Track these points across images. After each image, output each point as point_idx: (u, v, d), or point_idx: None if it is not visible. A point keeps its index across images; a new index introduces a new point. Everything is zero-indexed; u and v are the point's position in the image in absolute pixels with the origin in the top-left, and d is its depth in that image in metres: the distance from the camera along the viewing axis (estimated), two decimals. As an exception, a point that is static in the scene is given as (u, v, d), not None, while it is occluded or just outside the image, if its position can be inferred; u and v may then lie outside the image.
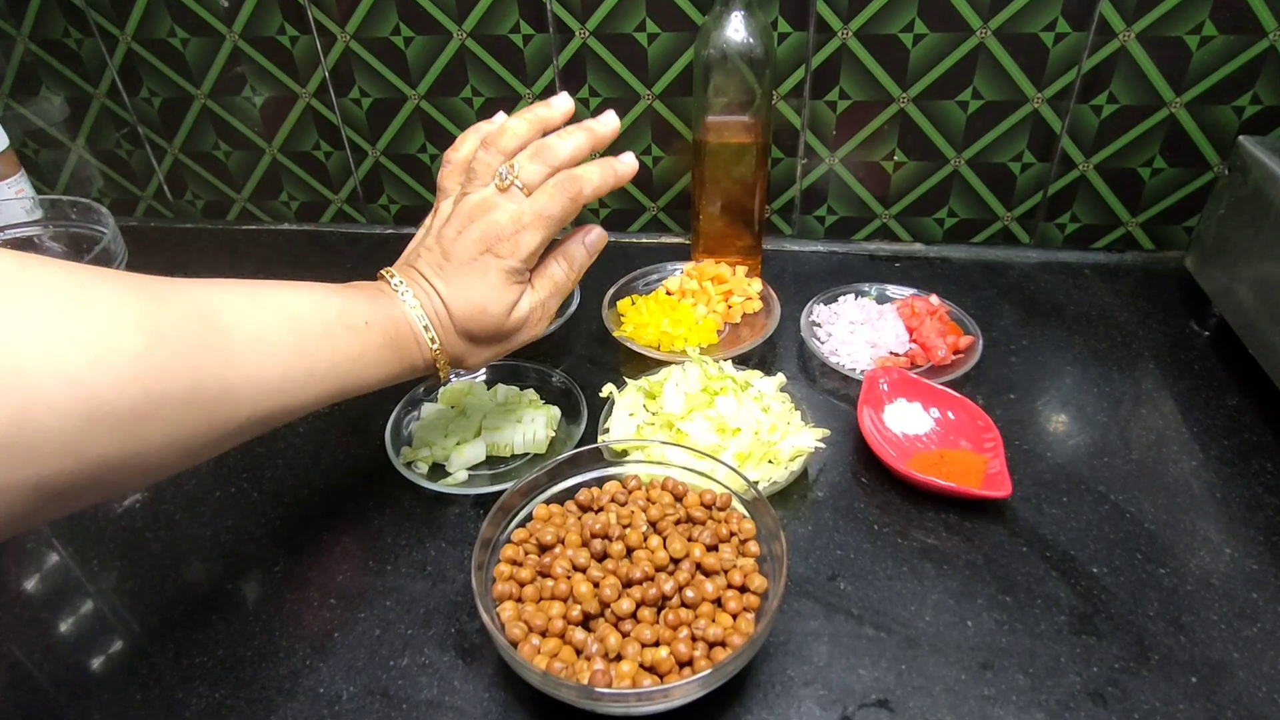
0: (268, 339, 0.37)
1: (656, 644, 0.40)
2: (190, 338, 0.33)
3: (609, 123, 0.48)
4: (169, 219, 0.96)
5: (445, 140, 0.84)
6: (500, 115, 0.51)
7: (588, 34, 0.76)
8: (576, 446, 0.53)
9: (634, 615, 0.42)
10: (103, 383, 0.29)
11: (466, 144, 0.49)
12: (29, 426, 0.27)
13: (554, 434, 0.60)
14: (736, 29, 0.65)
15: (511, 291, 0.46)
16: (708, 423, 0.55)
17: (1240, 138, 0.65)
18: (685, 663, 0.40)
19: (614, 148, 0.82)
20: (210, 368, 0.33)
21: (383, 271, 0.47)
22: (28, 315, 0.27)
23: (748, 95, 0.68)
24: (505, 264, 0.45)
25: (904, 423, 0.59)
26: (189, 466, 0.35)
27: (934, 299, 0.71)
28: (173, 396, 0.31)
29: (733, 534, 0.46)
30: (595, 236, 0.52)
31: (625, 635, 0.41)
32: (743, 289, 0.73)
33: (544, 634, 0.41)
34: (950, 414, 0.60)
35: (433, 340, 0.45)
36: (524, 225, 0.45)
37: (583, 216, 0.88)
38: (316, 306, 0.40)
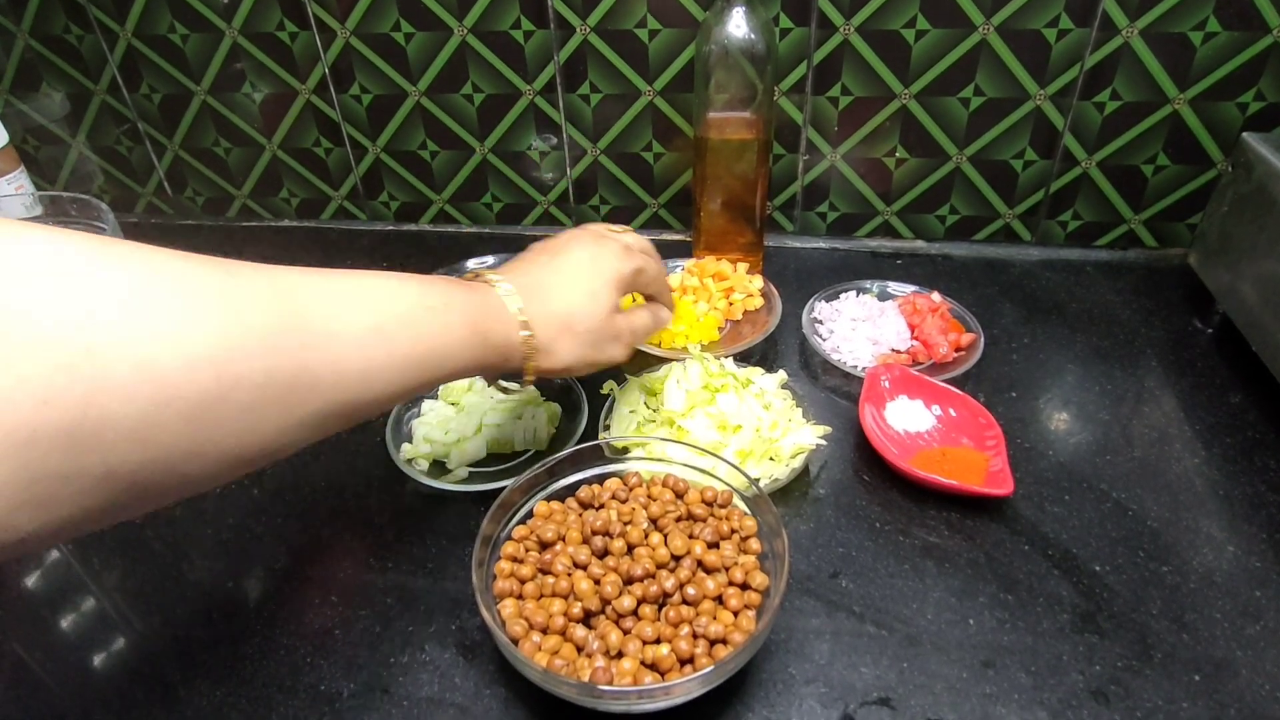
0: (344, 319, 0.35)
1: (658, 641, 0.40)
2: (266, 320, 0.31)
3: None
4: (169, 215, 0.96)
5: (446, 137, 0.84)
6: None
7: (588, 30, 0.75)
8: (577, 443, 0.53)
9: (635, 612, 0.41)
10: (173, 366, 0.27)
11: None
12: (94, 412, 0.25)
13: (555, 431, 0.60)
14: (738, 25, 0.64)
15: (615, 289, 0.46)
16: (709, 420, 0.55)
17: (1244, 134, 0.64)
18: (686, 660, 0.40)
19: (613, 145, 0.82)
20: (286, 349, 0.32)
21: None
22: (102, 297, 0.26)
23: (749, 91, 0.67)
24: (614, 245, 0.47)
25: (906, 420, 0.59)
26: (267, 462, 0.33)
27: (935, 296, 0.70)
28: (247, 381, 0.30)
29: (734, 531, 0.46)
30: (666, 316, 0.55)
31: (626, 632, 0.41)
32: (744, 286, 0.73)
33: (545, 631, 0.41)
34: (952, 411, 0.59)
35: (524, 325, 0.43)
36: (625, 237, 0.49)
37: (585, 215, 0.88)
38: (395, 288, 0.39)
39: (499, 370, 0.45)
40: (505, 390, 0.53)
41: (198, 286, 0.29)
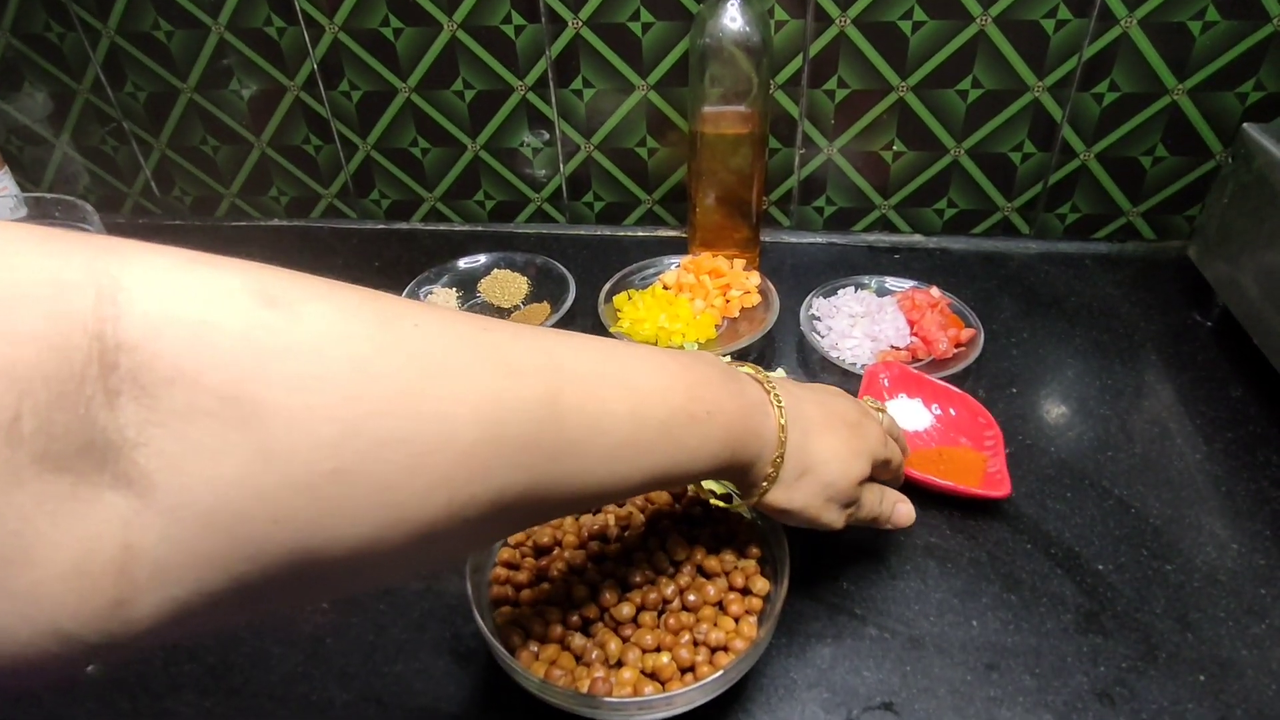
0: (603, 427, 0.30)
1: (658, 649, 0.39)
2: (527, 430, 0.27)
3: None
4: (157, 215, 0.94)
5: (437, 133, 0.83)
6: None
7: (580, 24, 0.74)
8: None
9: (634, 620, 0.41)
10: (414, 492, 0.24)
11: None
12: (321, 532, 0.23)
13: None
14: (733, 17, 0.63)
15: (869, 463, 0.42)
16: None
17: (1244, 125, 0.63)
18: (687, 668, 0.39)
19: (606, 141, 0.81)
20: (534, 464, 0.28)
21: (738, 364, 0.41)
22: (371, 400, 0.23)
23: (744, 85, 0.66)
24: (878, 426, 0.43)
25: (904, 419, 0.59)
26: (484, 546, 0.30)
27: (935, 291, 0.70)
28: (479, 502, 0.26)
29: (734, 535, 0.45)
30: (903, 514, 0.48)
31: (626, 641, 0.40)
32: (741, 282, 0.72)
33: (542, 640, 0.40)
34: (951, 410, 0.59)
35: (780, 446, 0.38)
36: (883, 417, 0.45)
37: (579, 212, 0.87)
38: (663, 386, 0.33)
39: (729, 480, 0.40)
40: (715, 498, 0.45)
41: (466, 390, 0.26)
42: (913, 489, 0.53)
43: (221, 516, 0.21)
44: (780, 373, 0.60)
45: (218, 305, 0.21)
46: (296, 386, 0.22)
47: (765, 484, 0.38)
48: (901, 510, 0.46)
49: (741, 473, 0.38)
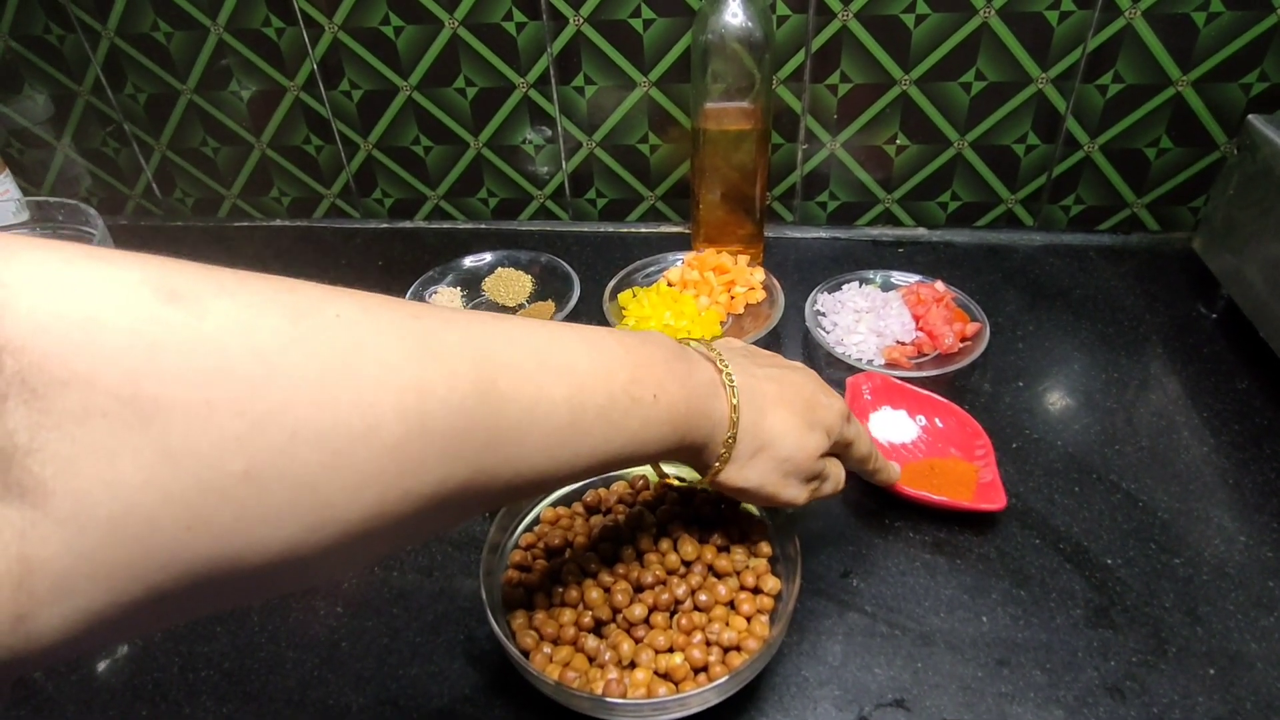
0: (540, 414, 0.29)
1: (671, 650, 0.40)
2: (460, 420, 0.26)
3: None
4: (159, 217, 0.94)
5: (439, 132, 0.83)
6: None
7: (582, 21, 0.74)
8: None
9: (647, 621, 0.41)
10: (340, 487, 0.23)
11: None
12: (238, 538, 0.22)
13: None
14: (734, 13, 0.63)
15: (828, 439, 0.41)
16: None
17: (1249, 116, 0.63)
18: (700, 669, 0.39)
19: (609, 137, 0.81)
20: (469, 455, 0.27)
21: (691, 341, 0.41)
22: (285, 394, 0.22)
23: (747, 80, 0.66)
24: (841, 404, 0.43)
25: (890, 431, 0.58)
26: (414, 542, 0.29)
27: (940, 285, 0.70)
28: (415, 497, 0.25)
29: (744, 534, 0.45)
30: (886, 476, 0.50)
31: (638, 642, 0.40)
32: (745, 279, 0.72)
33: (555, 642, 0.41)
34: (938, 421, 0.58)
35: (733, 426, 0.37)
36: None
37: (582, 209, 0.87)
38: (604, 370, 0.32)
39: (682, 463, 0.40)
40: (668, 479, 0.45)
41: (384, 374, 0.25)
42: (906, 504, 0.53)
43: (128, 523, 0.20)
44: (735, 341, 0.54)
45: (112, 301, 0.20)
46: (197, 382, 0.21)
47: (718, 464, 0.38)
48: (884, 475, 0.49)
49: (693, 454, 0.38)
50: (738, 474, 0.39)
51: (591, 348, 0.33)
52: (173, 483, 0.20)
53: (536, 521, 0.47)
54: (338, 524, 0.24)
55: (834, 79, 0.75)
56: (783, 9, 0.71)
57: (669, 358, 0.36)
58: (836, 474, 0.44)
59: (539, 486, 0.32)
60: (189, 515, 0.21)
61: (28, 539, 0.19)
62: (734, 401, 0.37)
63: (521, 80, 0.78)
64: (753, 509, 0.47)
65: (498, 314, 0.32)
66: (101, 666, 0.47)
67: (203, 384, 0.21)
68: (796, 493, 0.41)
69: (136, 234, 0.91)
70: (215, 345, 0.21)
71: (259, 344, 0.22)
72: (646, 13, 0.73)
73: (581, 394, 0.31)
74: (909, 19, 0.70)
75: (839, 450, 0.44)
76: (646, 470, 0.50)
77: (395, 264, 0.82)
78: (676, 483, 0.44)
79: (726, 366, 0.38)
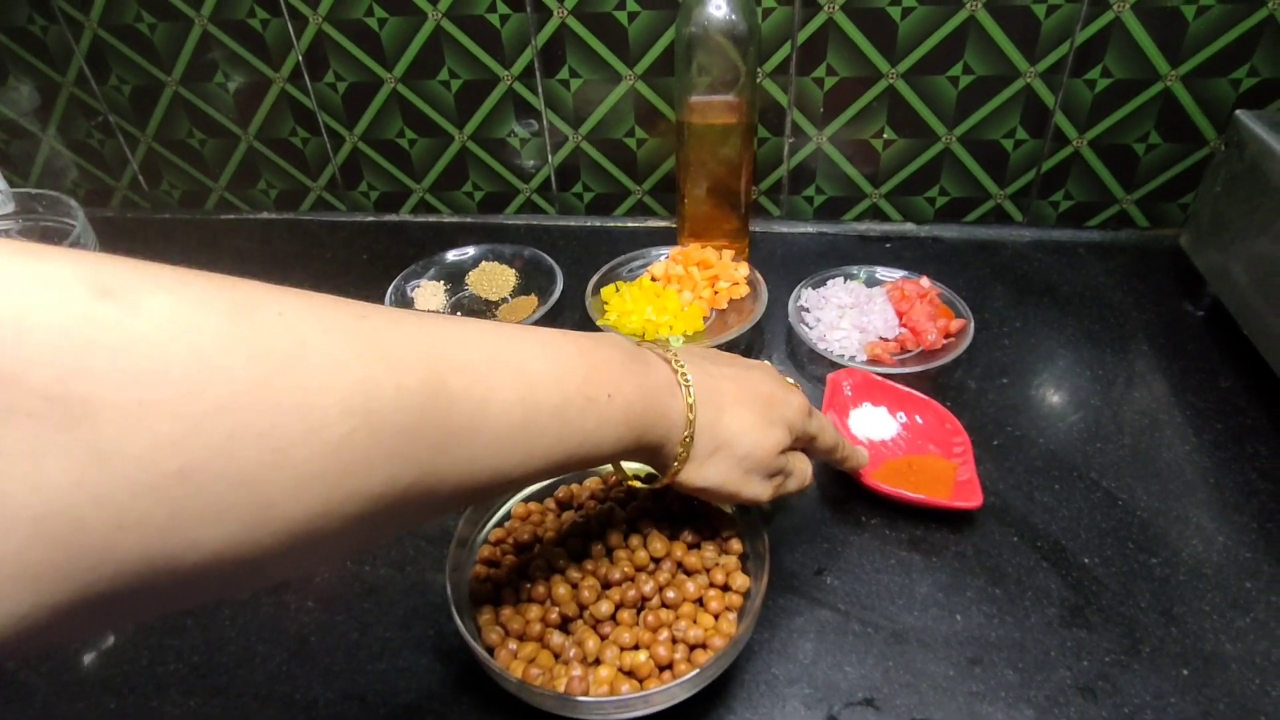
0: (491, 414, 0.29)
1: (636, 647, 0.39)
2: (408, 419, 0.26)
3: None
4: (145, 209, 0.94)
5: (424, 124, 0.82)
6: None
7: (566, 13, 0.73)
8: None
9: (613, 617, 0.41)
10: (278, 483, 0.23)
11: None
12: (175, 537, 0.21)
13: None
14: (719, 5, 0.63)
15: (788, 435, 0.41)
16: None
17: (1237, 112, 0.63)
18: (666, 666, 0.39)
19: (594, 131, 0.81)
20: (418, 455, 0.27)
21: (648, 344, 0.41)
22: (218, 392, 0.22)
23: (732, 73, 0.66)
24: (800, 398, 0.43)
25: (869, 428, 0.57)
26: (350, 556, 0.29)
27: (925, 281, 0.69)
28: (362, 497, 0.25)
29: (715, 531, 0.45)
30: (855, 463, 0.50)
31: (604, 638, 0.40)
32: (729, 274, 0.71)
33: (521, 638, 0.40)
34: (918, 418, 0.57)
35: (690, 426, 0.37)
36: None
37: (569, 203, 0.86)
38: (558, 371, 0.32)
39: (640, 462, 0.39)
40: (630, 481, 0.44)
41: (327, 377, 0.24)
42: (883, 501, 0.53)
43: (54, 524, 0.19)
44: (687, 344, 0.53)
45: (43, 298, 0.20)
46: (130, 382, 0.20)
47: (677, 464, 0.38)
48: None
49: (652, 454, 0.38)
50: (697, 473, 0.39)
51: (545, 349, 0.33)
52: (102, 483, 0.20)
53: (508, 517, 0.47)
54: (280, 523, 0.23)
55: (820, 72, 0.74)
56: (768, 1, 0.71)
57: (624, 359, 0.36)
58: (801, 469, 0.44)
59: (491, 489, 0.31)
60: (120, 515, 0.20)
61: None
62: (690, 401, 0.37)
63: (506, 73, 0.78)
64: (724, 505, 0.47)
65: (449, 315, 0.31)
66: (70, 658, 0.47)
67: (136, 384, 0.20)
68: (759, 490, 0.41)
69: (122, 226, 0.91)
70: (150, 344, 0.21)
71: (197, 342, 0.22)
72: (631, 5, 0.72)
73: (534, 393, 0.31)
74: (895, 11, 0.70)
75: (803, 444, 0.44)
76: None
77: (381, 257, 0.82)
78: (638, 484, 0.43)
79: (682, 366, 0.38)
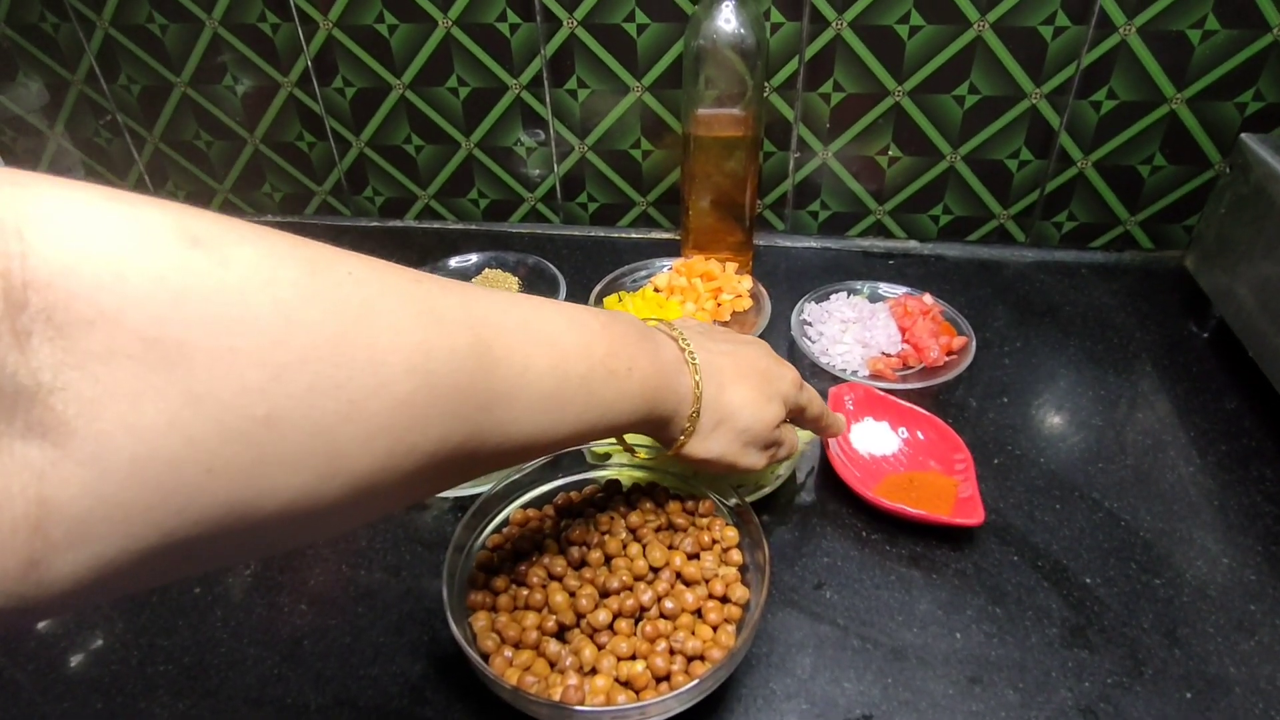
0: (529, 380, 0.31)
1: (633, 657, 0.39)
2: (460, 380, 0.27)
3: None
4: (150, 210, 0.94)
5: (431, 131, 0.83)
6: None
7: (576, 24, 0.74)
8: (557, 449, 0.52)
9: (611, 627, 0.40)
10: (352, 436, 0.24)
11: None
12: (257, 482, 0.22)
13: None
14: (728, 19, 0.63)
15: (784, 408, 0.44)
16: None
17: (1242, 135, 0.63)
18: (663, 677, 0.38)
19: (601, 141, 0.81)
20: (468, 414, 0.28)
21: (652, 321, 0.42)
22: (300, 340, 0.23)
23: (739, 87, 0.66)
24: (792, 372, 0.45)
25: (871, 443, 0.57)
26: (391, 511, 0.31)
27: (927, 298, 0.69)
28: (419, 452, 0.26)
29: (715, 542, 0.44)
30: (836, 428, 0.52)
31: (601, 648, 0.39)
32: (733, 286, 0.71)
33: (517, 645, 0.40)
34: (920, 434, 0.57)
35: (697, 401, 0.39)
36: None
37: (573, 213, 0.86)
38: (585, 343, 0.34)
39: (648, 434, 0.41)
40: (633, 450, 0.47)
41: (393, 337, 0.25)
42: (884, 516, 0.52)
43: (149, 466, 0.20)
44: (692, 320, 0.54)
45: (140, 244, 0.20)
46: (221, 330, 0.21)
47: (683, 436, 0.40)
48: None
49: (660, 426, 0.40)
50: (701, 446, 0.41)
51: (571, 321, 0.34)
52: (195, 426, 0.20)
53: (505, 523, 0.47)
54: (349, 474, 0.24)
55: (827, 88, 0.74)
56: (777, 16, 0.71)
57: (639, 335, 0.38)
58: (791, 439, 0.47)
59: (526, 451, 0.33)
60: (210, 458, 0.21)
61: (47, 480, 0.19)
62: (697, 378, 0.39)
63: (514, 82, 0.78)
64: (725, 516, 0.46)
65: (487, 288, 0.33)
66: (58, 656, 0.46)
67: (227, 332, 0.21)
68: (755, 460, 0.43)
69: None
70: (239, 294, 0.22)
71: (280, 296, 0.23)
72: (640, 17, 0.73)
73: (565, 364, 0.33)
74: (903, 30, 0.70)
75: (794, 415, 0.46)
76: (619, 474, 0.49)
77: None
78: (643, 455, 0.46)
79: (688, 345, 0.40)
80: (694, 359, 0.40)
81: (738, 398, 0.41)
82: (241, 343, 0.21)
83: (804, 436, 0.54)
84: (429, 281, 0.29)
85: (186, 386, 0.20)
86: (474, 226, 0.88)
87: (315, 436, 0.23)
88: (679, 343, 0.40)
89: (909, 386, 0.62)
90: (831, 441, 0.55)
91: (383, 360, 0.25)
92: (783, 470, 0.53)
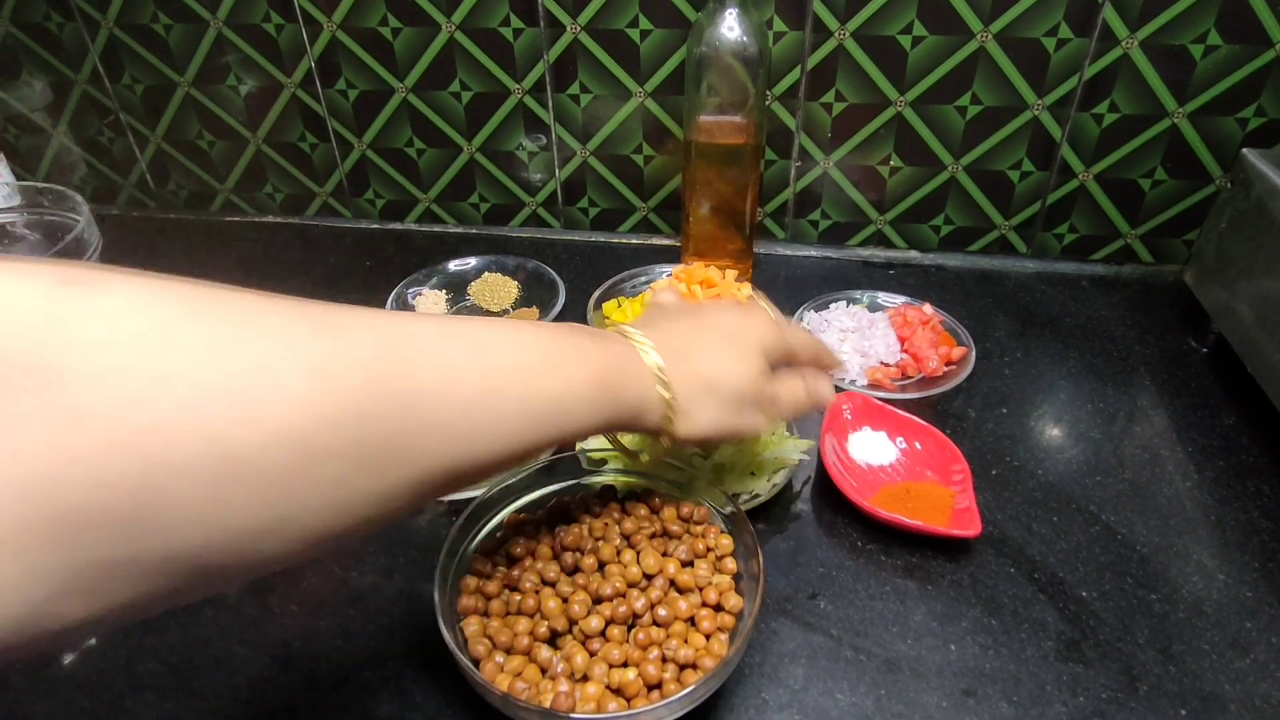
0: (449, 373, 0.31)
1: (625, 665, 0.39)
2: (362, 378, 0.27)
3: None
4: (151, 208, 0.94)
5: (433, 135, 0.83)
6: None
7: (579, 29, 0.74)
8: (553, 453, 0.51)
9: (603, 634, 0.40)
10: (245, 439, 0.24)
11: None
12: (153, 494, 0.22)
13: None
14: (731, 26, 0.63)
15: (763, 355, 0.42)
16: (689, 432, 0.54)
17: (1243, 150, 0.63)
18: (654, 685, 0.38)
19: (602, 147, 0.81)
20: (381, 415, 0.28)
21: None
22: (175, 361, 0.23)
23: (741, 95, 0.66)
24: (763, 314, 0.44)
25: (868, 453, 0.57)
26: (361, 534, 0.29)
27: (927, 308, 0.69)
28: (333, 452, 0.26)
29: (709, 550, 0.44)
30: (827, 393, 0.49)
31: (593, 654, 0.39)
32: (732, 293, 0.71)
33: (509, 651, 0.40)
34: (917, 444, 0.57)
35: (662, 382, 0.38)
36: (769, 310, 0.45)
37: (574, 218, 0.86)
38: (511, 337, 0.34)
39: (633, 431, 0.40)
40: (628, 450, 0.46)
41: (283, 347, 0.26)
42: (880, 527, 0.52)
43: (32, 488, 0.20)
44: (665, 294, 0.50)
45: (16, 285, 0.21)
46: (97, 348, 0.22)
47: (666, 421, 0.39)
48: (822, 390, 0.46)
49: (636, 417, 0.38)
50: (691, 424, 0.39)
51: (488, 324, 0.34)
52: (77, 443, 0.21)
53: (499, 528, 0.46)
54: (254, 479, 0.24)
55: (829, 97, 0.74)
56: (779, 25, 0.71)
57: (579, 331, 0.37)
58: (789, 388, 0.44)
59: (474, 454, 0.32)
60: (96, 473, 0.21)
61: None
62: (653, 358, 0.38)
63: (517, 86, 0.78)
64: (719, 524, 0.46)
65: (403, 313, 0.33)
66: (42, 657, 0.46)
67: (102, 350, 0.22)
68: (754, 420, 0.42)
69: (128, 224, 0.91)
70: (115, 316, 0.22)
71: (158, 315, 0.23)
72: (643, 23, 0.73)
73: (493, 359, 0.33)
74: (905, 40, 0.70)
75: (784, 360, 0.44)
76: (614, 480, 0.49)
77: (384, 265, 0.82)
78: (644, 459, 0.45)
79: (634, 332, 0.39)
80: (644, 341, 0.39)
81: (709, 365, 0.40)
82: (119, 358, 0.22)
83: (800, 446, 0.54)
84: (316, 307, 0.29)
85: (64, 406, 0.21)
86: (474, 230, 0.88)
87: (209, 443, 0.23)
88: (625, 333, 0.39)
89: (907, 396, 0.62)
90: (829, 451, 0.55)
91: (273, 365, 0.25)
92: (779, 479, 0.53)
